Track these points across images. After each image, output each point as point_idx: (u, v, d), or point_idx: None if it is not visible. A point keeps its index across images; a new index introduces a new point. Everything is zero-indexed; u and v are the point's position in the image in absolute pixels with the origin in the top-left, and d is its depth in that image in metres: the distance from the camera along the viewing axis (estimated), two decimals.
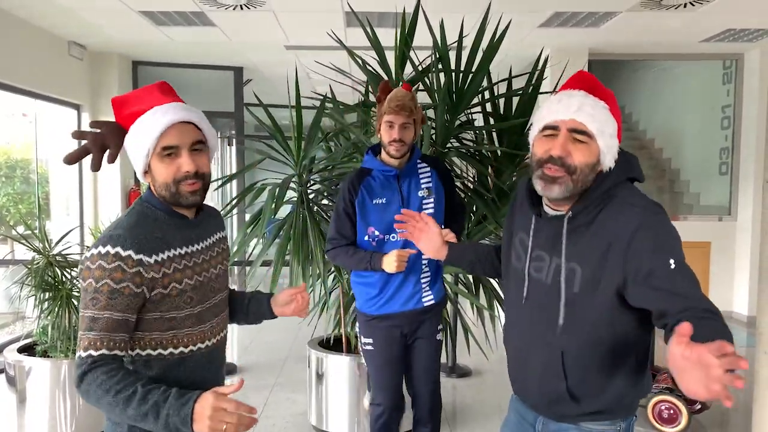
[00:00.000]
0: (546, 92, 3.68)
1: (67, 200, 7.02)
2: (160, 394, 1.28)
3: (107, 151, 1.46)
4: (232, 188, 8.43)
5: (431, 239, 1.91)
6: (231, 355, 5.55)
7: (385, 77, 3.57)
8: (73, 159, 1.43)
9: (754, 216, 6.73)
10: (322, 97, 3.73)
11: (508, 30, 3.56)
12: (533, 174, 1.50)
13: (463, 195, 3.68)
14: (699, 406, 3.71)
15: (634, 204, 1.44)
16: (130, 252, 1.37)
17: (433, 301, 2.73)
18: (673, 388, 3.71)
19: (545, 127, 1.47)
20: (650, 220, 1.40)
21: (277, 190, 3.44)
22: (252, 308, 1.78)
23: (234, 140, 8.76)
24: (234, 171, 8.68)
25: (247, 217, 4.03)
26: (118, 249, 1.36)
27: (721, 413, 4.15)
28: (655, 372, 3.92)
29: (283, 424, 3.95)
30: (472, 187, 3.61)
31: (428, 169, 2.71)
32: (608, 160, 1.46)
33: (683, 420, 3.64)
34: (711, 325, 1.21)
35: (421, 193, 2.66)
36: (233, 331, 6.76)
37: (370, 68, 3.62)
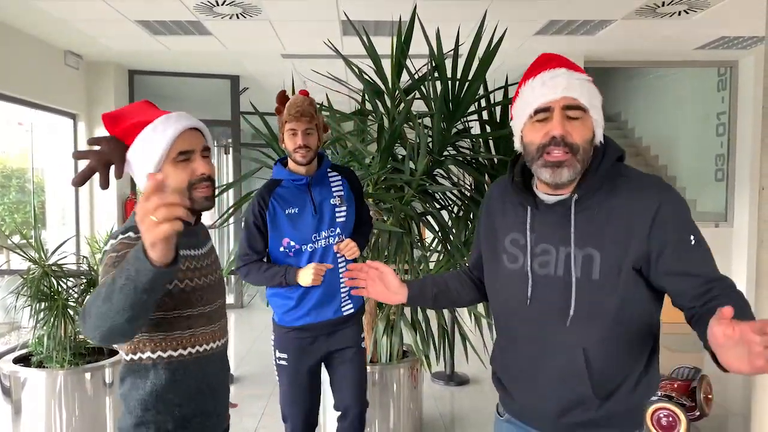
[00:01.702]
0: None
1: (63, 210, 7.00)
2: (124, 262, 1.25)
3: (112, 167, 1.47)
4: (229, 197, 8.42)
5: (387, 283, 1.67)
6: None
7: (382, 86, 3.58)
8: (81, 180, 1.42)
9: (750, 222, 6.74)
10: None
11: (504, 38, 3.57)
12: (533, 164, 1.41)
13: (460, 203, 3.69)
14: (698, 414, 3.70)
15: (649, 183, 1.41)
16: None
17: (352, 310, 2.70)
18: (672, 396, 3.70)
19: (536, 112, 1.37)
20: (670, 197, 1.38)
21: None
22: None
23: (230, 149, 8.76)
24: (231, 180, 8.68)
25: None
26: (130, 234, 1.45)
27: (719, 421, 4.14)
28: None
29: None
30: (469, 195, 3.61)
31: (339, 177, 2.70)
32: (599, 133, 1.41)
33: (682, 428, 3.63)
34: (739, 305, 1.20)
35: (333, 201, 2.64)
36: (230, 341, 6.73)
37: (366, 77, 3.62)
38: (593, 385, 1.41)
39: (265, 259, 2.63)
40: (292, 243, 2.57)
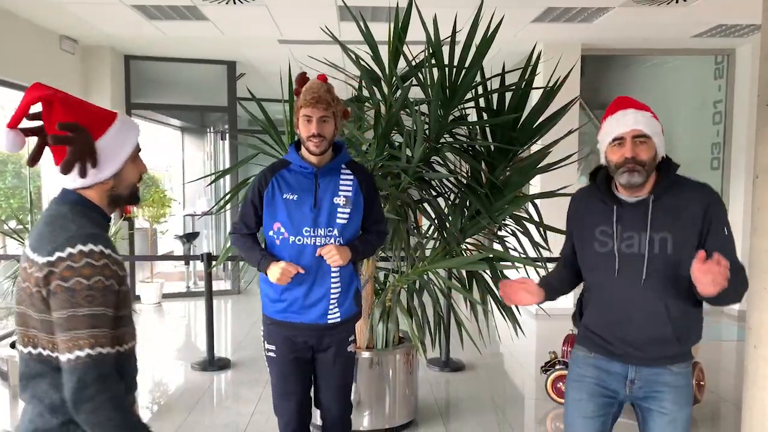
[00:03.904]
0: (539, 87, 3.67)
1: None
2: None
3: (84, 157, 1.42)
4: (225, 183, 8.41)
5: (528, 290, 2.16)
6: (225, 351, 5.55)
7: (379, 72, 3.57)
8: (35, 161, 1.43)
9: (745, 211, 6.77)
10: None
11: (502, 25, 3.56)
12: (616, 173, 1.97)
13: (456, 190, 3.70)
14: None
15: (702, 187, 2.00)
16: (110, 251, 1.38)
17: (338, 320, 2.54)
18: None
19: (614, 140, 1.97)
20: (717, 199, 1.98)
21: None
22: None
23: (227, 135, 8.74)
24: (227, 166, 8.66)
25: None
26: (101, 247, 1.36)
27: (711, 408, 4.18)
28: None
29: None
30: (465, 182, 3.62)
31: (351, 176, 2.52)
32: (662, 151, 2.01)
33: None
34: (734, 278, 1.78)
35: (337, 200, 2.47)
36: (227, 326, 6.76)
37: (363, 63, 3.62)
38: (673, 329, 1.95)
39: (258, 236, 2.60)
40: (282, 230, 2.46)
